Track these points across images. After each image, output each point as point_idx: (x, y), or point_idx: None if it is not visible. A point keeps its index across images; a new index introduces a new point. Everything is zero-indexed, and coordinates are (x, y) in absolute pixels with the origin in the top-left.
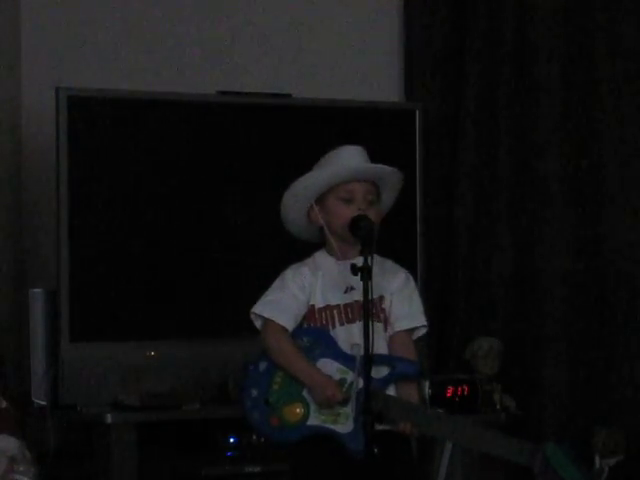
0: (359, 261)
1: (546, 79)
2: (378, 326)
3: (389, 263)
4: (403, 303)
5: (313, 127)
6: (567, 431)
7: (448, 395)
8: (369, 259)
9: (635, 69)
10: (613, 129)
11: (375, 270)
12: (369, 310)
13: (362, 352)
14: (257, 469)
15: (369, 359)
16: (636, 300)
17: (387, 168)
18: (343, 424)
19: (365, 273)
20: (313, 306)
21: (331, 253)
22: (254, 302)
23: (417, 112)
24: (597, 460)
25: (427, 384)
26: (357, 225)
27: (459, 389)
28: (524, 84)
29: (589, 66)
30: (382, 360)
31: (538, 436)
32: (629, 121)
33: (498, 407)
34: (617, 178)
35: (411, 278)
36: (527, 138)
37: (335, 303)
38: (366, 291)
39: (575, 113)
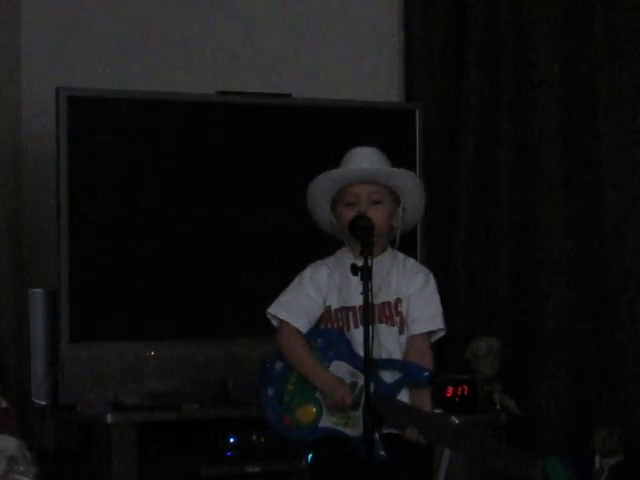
0: (380, 261)
1: (546, 79)
2: (392, 330)
3: (411, 263)
4: (421, 306)
5: (313, 127)
6: (567, 431)
7: (448, 395)
8: (369, 260)
9: (635, 73)
10: (613, 130)
11: (395, 270)
12: (370, 311)
13: (375, 356)
14: (257, 469)
15: (370, 362)
16: (637, 300)
17: (385, 169)
18: (353, 427)
19: (365, 273)
20: (329, 307)
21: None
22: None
23: (417, 112)
24: (597, 460)
25: None
26: (356, 225)
27: (459, 389)
28: (524, 84)
29: (589, 66)
30: (393, 365)
31: (538, 436)
32: (630, 122)
33: (498, 407)
34: (618, 178)
35: (431, 279)
36: (527, 138)
37: (351, 304)
38: (366, 292)
39: (575, 113)
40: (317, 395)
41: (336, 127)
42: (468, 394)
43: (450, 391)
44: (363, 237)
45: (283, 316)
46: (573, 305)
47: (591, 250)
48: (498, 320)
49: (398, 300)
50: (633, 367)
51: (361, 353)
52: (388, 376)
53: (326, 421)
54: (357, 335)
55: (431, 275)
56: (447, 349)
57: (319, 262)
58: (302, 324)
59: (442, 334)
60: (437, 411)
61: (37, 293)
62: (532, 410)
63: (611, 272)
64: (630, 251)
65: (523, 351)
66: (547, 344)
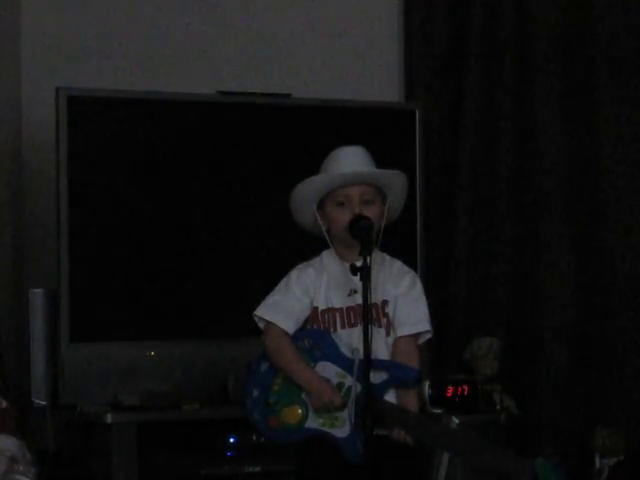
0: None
1: (546, 80)
2: (379, 331)
3: (397, 265)
4: (407, 308)
5: (313, 127)
6: (567, 431)
7: (448, 395)
8: (368, 259)
9: (636, 70)
10: (614, 132)
11: (382, 272)
12: (369, 311)
13: (361, 356)
14: (257, 469)
15: (368, 363)
16: (636, 300)
17: (379, 171)
18: (340, 428)
19: (364, 273)
20: (316, 308)
21: (337, 254)
22: (254, 302)
23: (417, 112)
24: (597, 460)
25: (427, 384)
26: (357, 225)
27: (459, 389)
28: (524, 84)
29: (590, 67)
30: (380, 365)
31: (538, 436)
32: (630, 123)
33: (498, 407)
34: (617, 177)
35: (418, 282)
36: (527, 138)
37: (338, 306)
38: (365, 291)
39: (576, 114)
40: (303, 396)
41: (336, 127)
42: (468, 394)
43: (450, 391)
44: (363, 237)
45: (270, 318)
46: (573, 305)
47: (591, 249)
48: (498, 320)
49: (385, 302)
50: (633, 367)
51: (347, 354)
52: (375, 377)
53: (312, 422)
54: (343, 336)
55: (417, 277)
56: (447, 349)
57: (305, 264)
58: (289, 325)
59: (429, 336)
60: (437, 411)
61: (37, 293)
62: (532, 410)
63: (611, 272)
64: (631, 251)
65: (523, 351)
66: (547, 344)
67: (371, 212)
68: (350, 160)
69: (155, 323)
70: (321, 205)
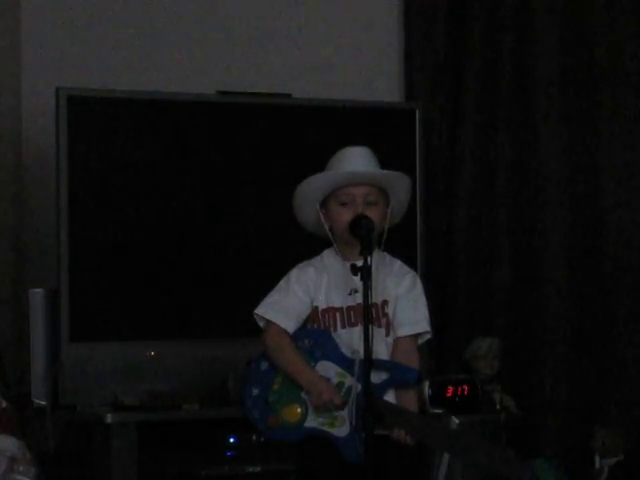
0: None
1: (546, 79)
2: (379, 331)
3: (398, 265)
4: (407, 308)
5: (313, 127)
6: (567, 431)
7: (448, 395)
8: (369, 259)
9: (636, 71)
10: (613, 131)
11: (382, 272)
12: (369, 311)
13: (362, 356)
14: (257, 469)
15: (369, 362)
16: (637, 300)
17: (384, 172)
18: (339, 428)
19: (365, 273)
20: (317, 307)
21: (339, 253)
22: (254, 302)
23: (417, 112)
24: (597, 460)
25: (427, 384)
26: (357, 225)
27: (459, 389)
28: (524, 84)
29: (590, 66)
30: (381, 365)
31: (538, 436)
32: (629, 122)
33: (498, 407)
34: (616, 176)
35: (418, 282)
36: (527, 138)
37: (338, 305)
38: (366, 291)
39: (575, 114)
40: (303, 395)
41: (336, 127)
42: (468, 394)
43: (450, 391)
44: (364, 237)
45: (270, 316)
46: (573, 305)
47: (591, 250)
48: (498, 320)
49: (385, 302)
50: (633, 367)
51: (347, 354)
52: (375, 377)
53: (312, 421)
54: (343, 335)
55: (418, 277)
56: (447, 349)
57: (306, 262)
58: (289, 324)
59: (428, 337)
60: (437, 411)
61: (37, 293)
62: (532, 410)
63: (611, 272)
64: (630, 251)
65: (523, 351)
66: (547, 344)
67: (374, 213)
68: (356, 160)
69: (155, 323)
70: (324, 204)
